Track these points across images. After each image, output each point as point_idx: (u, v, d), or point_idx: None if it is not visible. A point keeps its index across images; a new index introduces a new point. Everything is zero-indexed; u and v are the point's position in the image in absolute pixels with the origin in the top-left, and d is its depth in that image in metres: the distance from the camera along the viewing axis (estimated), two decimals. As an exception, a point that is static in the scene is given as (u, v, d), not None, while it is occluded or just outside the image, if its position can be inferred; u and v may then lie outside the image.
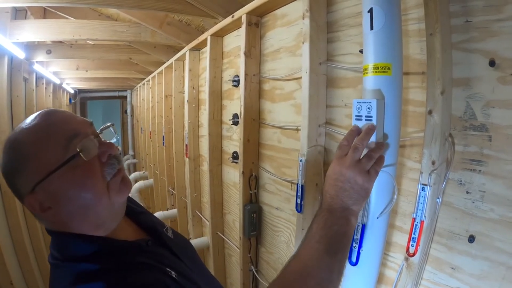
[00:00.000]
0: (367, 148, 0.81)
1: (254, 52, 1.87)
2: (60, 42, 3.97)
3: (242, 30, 1.86)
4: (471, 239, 0.89)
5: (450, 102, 0.92)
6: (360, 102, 0.82)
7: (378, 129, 0.82)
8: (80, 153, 0.65)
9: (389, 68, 0.82)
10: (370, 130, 0.80)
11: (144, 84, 5.84)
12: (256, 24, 1.88)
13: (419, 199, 0.95)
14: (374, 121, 0.80)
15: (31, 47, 3.75)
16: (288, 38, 1.64)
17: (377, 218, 0.90)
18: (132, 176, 5.97)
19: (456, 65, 0.92)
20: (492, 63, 0.83)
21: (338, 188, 0.79)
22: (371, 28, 0.85)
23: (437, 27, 0.87)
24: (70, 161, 0.65)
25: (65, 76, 5.84)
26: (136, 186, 5.16)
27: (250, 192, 1.92)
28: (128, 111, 7.74)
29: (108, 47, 4.01)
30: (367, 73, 0.86)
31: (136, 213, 0.87)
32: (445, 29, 0.89)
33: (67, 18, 3.35)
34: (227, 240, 2.49)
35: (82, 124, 0.71)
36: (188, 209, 3.10)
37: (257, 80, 1.86)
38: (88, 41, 3.93)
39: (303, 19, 1.36)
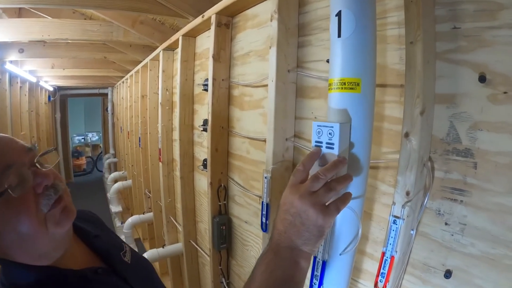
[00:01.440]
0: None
1: (223, 55, 1.70)
2: (36, 40, 3.74)
3: (211, 31, 1.68)
4: (448, 274, 0.79)
5: (432, 122, 0.77)
6: (321, 126, 0.66)
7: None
8: (9, 190, 0.59)
9: (357, 84, 0.66)
10: (341, 164, 0.64)
11: (123, 82, 5.60)
12: (227, 24, 1.71)
13: (390, 232, 0.80)
14: (335, 150, 0.64)
15: (3, 46, 3.52)
16: (259, 41, 1.48)
17: (340, 255, 0.75)
18: (112, 176, 5.73)
19: (441, 79, 0.78)
20: (482, 79, 0.69)
21: (288, 223, 0.63)
22: (339, 35, 0.69)
23: (419, 34, 0.72)
24: (0, 197, 0.59)
25: (43, 74, 5.56)
26: (115, 186, 4.95)
27: (219, 203, 1.76)
28: (109, 108, 7.46)
29: (82, 46, 3.78)
30: (332, 88, 0.70)
31: (90, 237, 0.80)
32: (429, 37, 0.74)
33: (43, 17, 3.13)
34: (200, 249, 2.32)
35: (18, 152, 0.65)
36: (163, 215, 2.92)
37: (226, 85, 1.69)
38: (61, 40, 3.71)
39: (271, 21, 1.19)
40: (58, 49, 3.87)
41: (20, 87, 4.77)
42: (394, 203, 0.79)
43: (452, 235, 0.77)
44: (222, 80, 1.68)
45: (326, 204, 0.62)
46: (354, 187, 0.68)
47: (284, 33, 1.17)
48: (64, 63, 4.63)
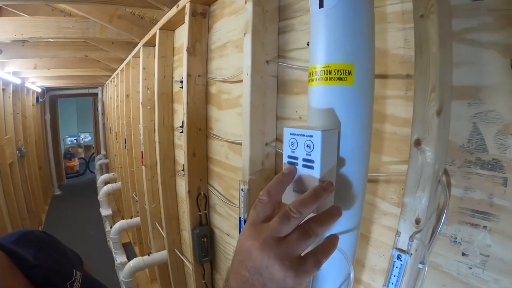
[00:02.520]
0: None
1: (199, 48, 1.48)
2: (12, 40, 3.51)
3: (185, 21, 1.47)
4: (463, 317, 0.60)
5: (449, 124, 0.57)
6: (295, 135, 0.44)
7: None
8: None
9: (349, 73, 0.46)
10: (325, 192, 0.43)
11: (111, 81, 5.36)
12: (203, 14, 1.49)
13: (392, 268, 0.60)
14: (316, 170, 0.43)
15: (-21, 48, 3.28)
16: (236, 30, 1.26)
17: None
18: (102, 178, 5.50)
19: (459, 67, 0.57)
20: (516, 65, 0.49)
21: (242, 281, 0.42)
22: (321, 4, 0.48)
23: (432, 4, 0.51)
24: None
25: (28, 76, 5.30)
26: (104, 189, 4.73)
27: (199, 213, 1.56)
28: (99, 109, 7.20)
29: (62, 45, 3.54)
30: (313, 80, 0.49)
31: (29, 267, 0.68)
32: (444, 10, 0.53)
33: (20, 16, 2.90)
34: (185, 259, 2.12)
35: None
36: (148, 221, 2.72)
37: (203, 81, 1.48)
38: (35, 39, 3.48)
39: (245, 3, 0.98)
40: (38, 48, 3.63)
41: (3, 89, 4.51)
42: (398, 233, 0.59)
43: (471, 268, 0.59)
44: (198, 76, 1.47)
45: (302, 255, 0.41)
46: (345, 218, 0.47)
47: (261, 17, 0.96)
48: (47, 63, 4.37)
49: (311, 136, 0.42)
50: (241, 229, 0.98)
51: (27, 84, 5.61)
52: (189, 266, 2.00)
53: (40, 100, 6.73)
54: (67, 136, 9.40)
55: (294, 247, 0.40)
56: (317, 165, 0.42)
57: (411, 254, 0.56)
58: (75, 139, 9.59)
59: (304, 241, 0.40)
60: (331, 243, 0.43)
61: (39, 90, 6.50)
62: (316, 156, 0.42)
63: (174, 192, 2.08)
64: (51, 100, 7.52)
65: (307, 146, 0.42)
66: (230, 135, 1.29)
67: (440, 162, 0.56)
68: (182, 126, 1.74)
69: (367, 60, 0.47)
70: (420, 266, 0.61)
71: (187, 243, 2.09)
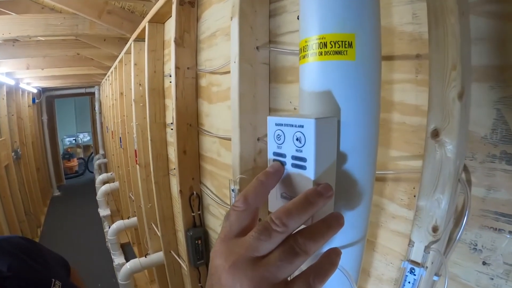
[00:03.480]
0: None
1: (188, 39, 1.38)
2: (4, 40, 3.41)
3: (173, 11, 1.37)
4: (483, 333, 0.51)
5: (469, 112, 0.47)
6: (282, 125, 0.34)
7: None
8: None
9: (349, 45, 0.36)
10: (320, 199, 0.32)
11: (106, 79, 5.25)
12: (191, 2, 1.39)
13: (404, 284, 0.51)
14: (310, 171, 0.32)
15: (-32, 49, 3.19)
16: (225, 17, 1.16)
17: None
18: (100, 177, 5.40)
19: (478, 43, 0.47)
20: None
21: None
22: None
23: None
24: None
25: (23, 76, 5.20)
26: (102, 189, 4.64)
27: (193, 214, 1.46)
28: (97, 108, 7.08)
29: (53, 43, 3.43)
30: (305, 56, 0.39)
31: (2, 279, 0.66)
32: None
33: (8, 14, 2.80)
34: (181, 261, 2.03)
35: None
36: (144, 221, 2.62)
37: (192, 74, 1.38)
38: (34, 38, 3.38)
39: (232, -16, 0.88)
40: (29, 48, 3.53)
41: (-3, 91, 4.43)
42: (411, 243, 0.49)
43: (492, 279, 0.50)
44: (188, 68, 1.37)
45: (289, 279, 0.31)
46: (348, 228, 0.37)
47: (249, -1, 0.86)
48: (39, 63, 4.27)
49: (302, 127, 0.32)
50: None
51: (22, 85, 5.51)
52: (186, 268, 1.92)
53: (36, 101, 6.62)
54: (65, 137, 9.30)
55: (275, 270, 0.29)
56: (310, 164, 0.32)
57: (427, 267, 0.47)
58: (73, 139, 9.49)
59: (290, 263, 0.30)
60: (329, 262, 0.32)
61: (35, 91, 6.40)
62: (309, 152, 0.32)
63: (168, 192, 1.99)
64: (47, 100, 7.41)
65: (297, 139, 0.32)
66: (221, 130, 1.19)
67: (461, 156, 0.46)
68: (172, 123, 1.64)
69: (372, 29, 0.37)
70: (435, 278, 0.52)
71: (183, 244, 2.00)
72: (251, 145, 0.86)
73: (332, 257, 0.33)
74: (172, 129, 1.67)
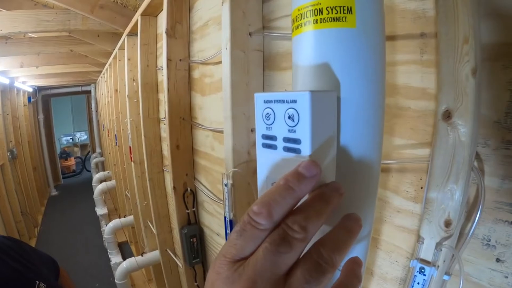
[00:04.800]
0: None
1: (180, 30, 1.33)
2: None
3: (164, 1, 1.31)
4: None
5: (480, 93, 0.42)
6: (271, 102, 0.29)
7: (326, 176, 0.29)
8: None
9: (349, 10, 0.31)
10: (337, 198, 0.27)
11: (101, 77, 5.19)
12: (183, -8, 1.34)
13: (412, 284, 0.46)
14: (306, 153, 0.26)
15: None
16: (217, 6, 1.10)
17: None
18: (97, 176, 5.33)
19: (489, 18, 0.42)
20: None
21: None
22: None
23: None
24: None
25: (17, 75, 5.13)
26: (99, 188, 4.58)
27: (187, 211, 1.41)
28: (93, 106, 7.01)
29: (46, 40, 3.37)
30: (299, 26, 0.34)
31: None
32: None
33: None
34: (177, 259, 1.98)
35: None
36: (140, 219, 2.58)
37: (185, 66, 1.32)
38: (27, 35, 3.31)
39: (223, -33, 0.83)
40: (21, 45, 3.46)
41: (-9, 90, 4.36)
42: (421, 240, 0.45)
43: (507, 277, 0.46)
44: (180, 60, 1.31)
45: None
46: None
47: (240, -19, 0.80)
48: (33, 61, 4.20)
49: (295, 102, 0.26)
50: (228, 231, 0.84)
51: (17, 84, 5.43)
52: (182, 267, 1.87)
53: (32, 100, 6.54)
54: (62, 136, 9.21)
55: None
56: (305, 146, 0.26)
57: (438, 266, 0.42)
58: (71, 138, 9.40)
59: (318, 282, 0.24)
60: (354, 275, 0.27)
61: (30, 90, 6.32)
62: (304, 131, 0.26)
63: (163, 189, 1.94)
64: (43, 99, 7.33)
65: (289, 117, 0.27)
66: (214, 123, 1.14)
67: (475, 141, 0.41)
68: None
69: (375, -8, 0.32)
70: (446, 278, 0.47)
71: (179, 242, 1.95)
72: (244, 136, 0.81)
73: (355, 269, 0.27)
74: (165, 124, 1.62)
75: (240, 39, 0.80)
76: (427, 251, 0.47)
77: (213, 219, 1.28)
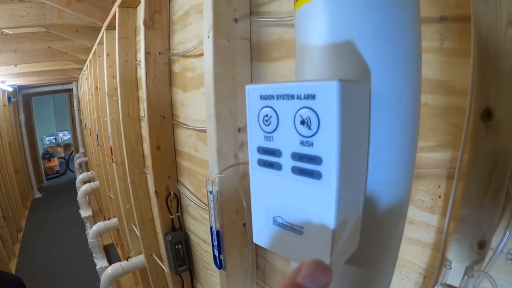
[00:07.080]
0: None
1: (159, 20, 1.21)
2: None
3: (141, -12, 1.20)
4: None
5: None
6: (272, 99, 0.17)
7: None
8: None
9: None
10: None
11: (82, 74, 4.99)
12: (162, -21, 1.22)
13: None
14: (331, 182, 0.16)
15: None
16: (199, -8, 1.00)
17: None
18: (80, 177, 5.14)
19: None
20: None
21: None
22: None
23: None
24: None
25: (-6, 74, 4.90)
26: (82, 189, 4.40)
27: (171, 216, 1.30)
28: (75, 104, 6.77)
29: (22, 37, 3.19)
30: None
31: None
32: None
33: None
34: (163, 265, 1.87)
35: None
36: (124, 222, 2.45)
37: (165, 60, 1.21)
38: (3, 32, 3.12)
39: None
40: (-4, 43, 3.27)
41: (-34, 89, 4.13)
42: (447, 263, 0.36)
43: None
44: (159, 53, 1.20)
45: None
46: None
47: (223, -41, 0.69)
48: (11, 59, 3.99)
49: (313, 97, 0.16)
50: (214, 243, 0.74)
51: (-6, 83, 5.20)
52: (168, 275, 1.77)
53: (12, 100, 6.28)
54: (45, 136, 8.92)
55: None
56: (330, 167, 0.16)
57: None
58: (54, 138, 9.11)
59: None
60: None
61: (10, 89, 6.06)
62: (328, 144, 0.16)
63: (146, 192, 1.82)
64: (24, 99, 7.05)
65: (302, 122, 0.17)
66: (198, 122, 1.03)
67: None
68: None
69: None
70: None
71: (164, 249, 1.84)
72: (230, 137, 0.71)
73: None
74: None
75: (225, 26, 0.69)
76: (455, 277, 0.38)
77: (199, 225, 1.18)
